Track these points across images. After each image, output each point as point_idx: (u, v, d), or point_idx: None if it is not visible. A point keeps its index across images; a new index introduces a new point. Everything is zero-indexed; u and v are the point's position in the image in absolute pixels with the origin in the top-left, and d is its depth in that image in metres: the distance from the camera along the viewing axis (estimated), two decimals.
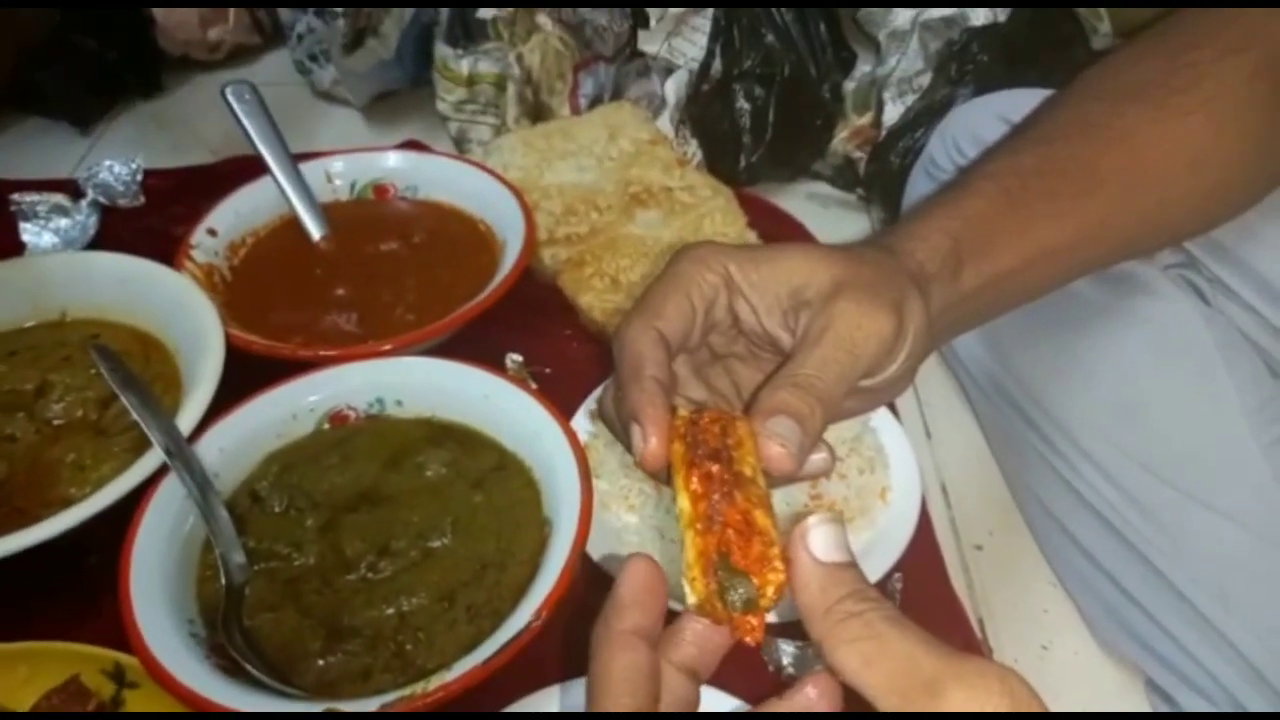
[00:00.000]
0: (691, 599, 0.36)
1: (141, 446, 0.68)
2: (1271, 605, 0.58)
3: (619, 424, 0.44)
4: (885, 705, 0.31)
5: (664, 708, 0.35)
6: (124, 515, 0.63)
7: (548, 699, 0.59)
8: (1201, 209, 0.59)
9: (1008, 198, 0.53)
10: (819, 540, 0.35)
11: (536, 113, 1.06)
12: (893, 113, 0.96)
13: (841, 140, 1.01)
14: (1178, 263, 0.69)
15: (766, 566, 0.35)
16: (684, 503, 0.38)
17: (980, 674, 0.30)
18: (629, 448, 0.42)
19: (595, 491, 0.66)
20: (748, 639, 0.35)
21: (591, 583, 0.66)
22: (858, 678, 0.31)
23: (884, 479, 0.73)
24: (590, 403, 0.78)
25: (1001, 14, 0.93)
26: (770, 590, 0.35)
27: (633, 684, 0.34)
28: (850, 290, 0.44)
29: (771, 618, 0.37)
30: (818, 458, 0.44)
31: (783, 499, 0.70)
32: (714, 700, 0.56)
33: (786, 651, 0.63)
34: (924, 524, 0.71)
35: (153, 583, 0.61)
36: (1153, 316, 0.67)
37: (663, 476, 0.41)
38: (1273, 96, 0.57)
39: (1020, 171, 0.54)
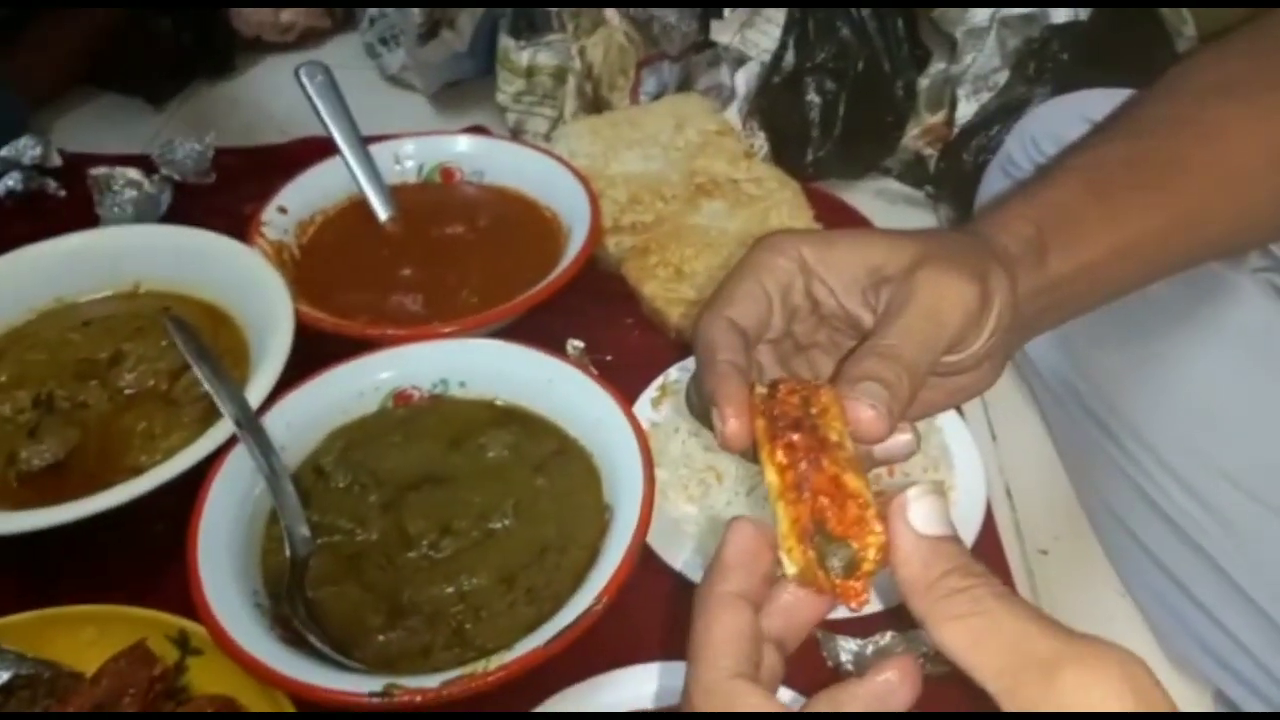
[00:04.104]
0: (791, 569, 0.35)
1: (209, 418, 0.70)
2: None
3: (701, 412, 0.44)
4: (995, 686, 0.29)
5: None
6: (191, 485, 0.64)
7: (647, 675, 0.59)
8: None
9: (1092, 188, 0.51)
10: (920, 513, 0.33)
11: (595, 107, 1.05)
12: (966, 110, 0.94)
13: (912, 137, 0.99)
14: (1265, 266, 0.68)
15: (865, 529, 0.34)
16: (771, 475, 0.37)
17: (1099, 657, 0.28)
18: (715, 434, 0.42)
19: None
20: (853, 604, 0.34)
21: (647, 570, 0.65)
22: (965, 657, 0.30)
23: (948, 478, 0.72)
24: (651, 391, 0.77)
25: (1083, 12, 0.91)
26: (871, 552, 0.33)
27: (735, 645, 0.33)
28: (932, 261, 0.43)
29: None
30: (903, 438, 0.41)
31: None
32: None
33: (846, 649, 0.62)
34: (988, 526, 0.70)
35: (219, 553, 0.61)
36: (1237, 323, 0.65)
37: (750, 455, 0.40)
38: None
39: (1104, 164, 0.53)
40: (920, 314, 0.42)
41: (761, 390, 0.41)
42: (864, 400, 0.38)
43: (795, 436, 0.37)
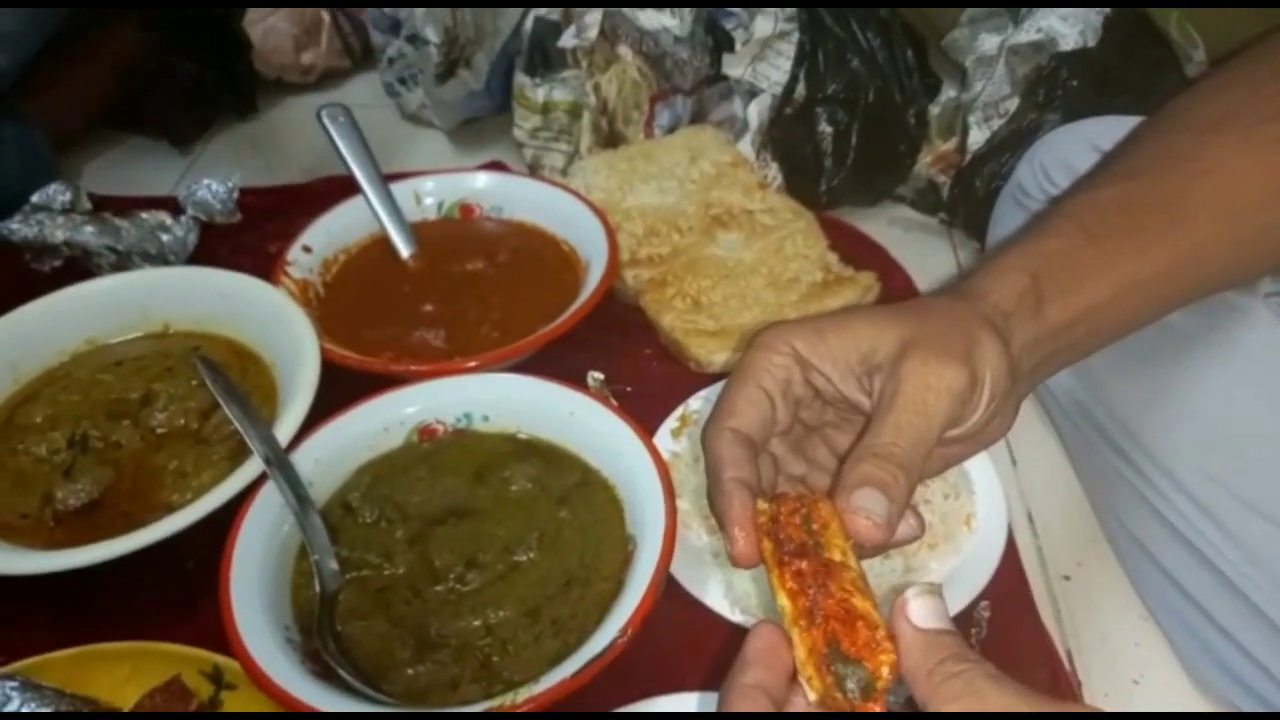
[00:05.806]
0: (812, 696, 0.37)
1: (239, 455, 0.71)
2: None
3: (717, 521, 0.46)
4: None
5: None
6: (221, 522, 0.66)
7: (682, 705, 0.60)
8: None
9: (1087, 234, 0.52)
10: (918, 610, 0.37)
11: (610, 142, 1.07)
12: (978, 137, 0.95)
13: (925, 165, 1.00)
14: (1277, 291, 0.68)
15: (876, 649, 0.37)
16: (783, 601, 0.40)
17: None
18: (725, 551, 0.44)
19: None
20: None
21: (671, 600, 0.66)
22: None
23: (969, 505, 0.72)
24: (671, 421, 0.78)
25: (1092, 39, 0.93)
26: (884, 671, 0.37)
27: None
28: (916, 349, 0.45)
29: None
30: (905, 526, 0.44)
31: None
32: None
33: None
34: (1010, 552, 0.71)
35: (251, 589, 0.62)
36: (1252, 346, 0.65)
37: (762, 570, 0.43)
38: None
39: (1099, 208, 0.54)
40: (909, 409, 0.44)
41: (764, 506, 0.43)
42: (860, 514, 0.41)
43: (803, 564, 0.40)
